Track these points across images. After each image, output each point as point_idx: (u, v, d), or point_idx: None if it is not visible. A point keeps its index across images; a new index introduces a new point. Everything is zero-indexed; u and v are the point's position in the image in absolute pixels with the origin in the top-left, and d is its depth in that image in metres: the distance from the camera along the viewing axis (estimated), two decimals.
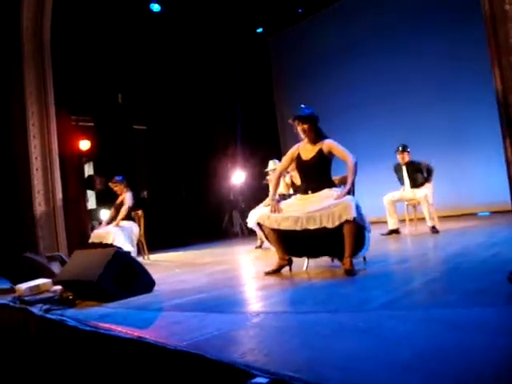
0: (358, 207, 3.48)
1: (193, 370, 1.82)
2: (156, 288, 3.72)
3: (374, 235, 6.55)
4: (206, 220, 11.29)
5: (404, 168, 6.72)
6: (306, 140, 3.98)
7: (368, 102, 9.55)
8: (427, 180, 6.61)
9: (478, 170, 8.55)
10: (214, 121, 11.14)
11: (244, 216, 11.23)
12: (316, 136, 3.93)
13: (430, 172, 6.66)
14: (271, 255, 5.62)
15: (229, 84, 10.93)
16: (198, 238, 10.62)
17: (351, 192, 3.71)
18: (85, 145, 9.44)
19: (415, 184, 6.61)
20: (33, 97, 7.86)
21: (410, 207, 6.81)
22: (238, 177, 11.07)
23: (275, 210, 3.77)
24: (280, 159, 6.15)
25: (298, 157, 3.99)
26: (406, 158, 6.71)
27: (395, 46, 9.42)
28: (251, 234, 10.39)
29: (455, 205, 8.85)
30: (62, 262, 4.40)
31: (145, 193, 10.71)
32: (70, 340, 2.82)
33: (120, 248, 4.02)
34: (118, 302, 3.27)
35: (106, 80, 9.71)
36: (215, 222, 11.59)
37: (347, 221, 3.37)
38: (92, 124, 9.90)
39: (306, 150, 3.97)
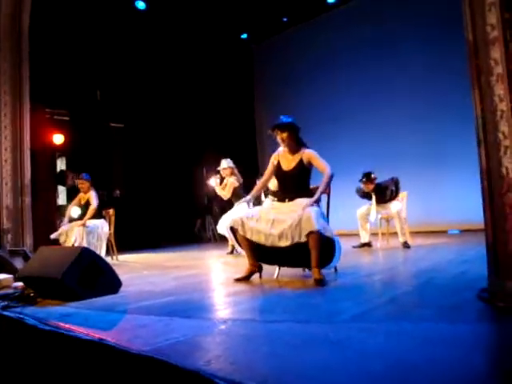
0: (321, 217, 3.51)
1: (155, 376, 1.75)
2: (122, 289, 3.60)
3: (346, 248, 6.61)
4: (178, 223, 11.15)
5: (373, 195, 6.65)
6: (285, 149, 3.95)
7: (347, 114, 9.66)
8: (396, 195, 6.61)
9: (450, 189, 8.71)
10: (192, 123, 11.04)
11: (217, 221, 11.17)
12: (296, 145, 3.92)
13: (397, 186, 6.66)
14: (242, 261, 5.56)
15: (209, 86, 10.88)
16: (170, 241, 10.47)
17: (318, 202, 3.71)
18: (59, 139, 9.22)
19: (384, 201, 6.63)
20: (6, 86, 7.63)
21: (383, 221, 6.85)
22: (213, 182, 10.97)
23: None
24: (257, 165, 6.21)
25: (278, 166, 3.98)
26: (371, 186, 6.66)
27: (379, 60, 9.56)
28: (223, 239, 10.29)
29: (426, 222, 8.99)
30: (26, 258, 4.24)
31: (118, 192, 10.51)
32: (28, 339, 2.69)
33: None
34: (81, 302, 3.15)
35: (86, 75, 9.53)
36: (188, 226, 11.47)
37: (311, 232, 3.36)
38: (68, 118, 9.69)
39: (286, 159, 3.95)
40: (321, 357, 1.62)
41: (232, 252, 6.79)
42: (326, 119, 9.87)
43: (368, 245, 6.55)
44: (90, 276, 3.40)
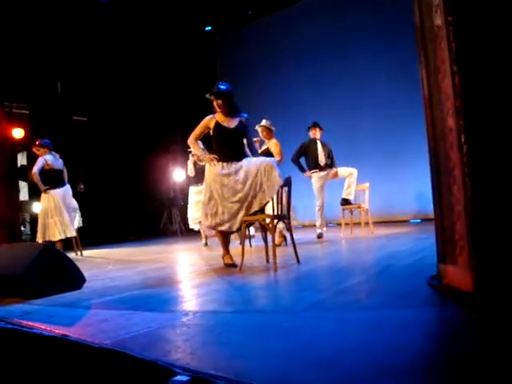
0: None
1: (116, 368, 1.79)
2: (86, 285, 3.60)
3: (309, 238, 6.76)
4: (144, 217, 11.09)
5: (319, 144, 6.92)
6: (221, 114, 4.15)
7: (310, 108, 9.76)
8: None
9: (412, 180, 8.98)
10: (156, 116, 10.96)
11: (183, 214, 11.15)
12: (232, 110, 4.16)
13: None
14: (213, 253, 5.64)
15: (172, 79, 10.80)
16: (136, 236, 10.42)
17: None
18: (18, 133, 8.99)
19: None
20: None
21: (346, 212, 7.02)
22: (178, 175, 10.96)
23: (212, 159, 4.02)
24: None
25: (219, 125, 4.12)
26: (318, 132, 6.97)
27: (342, 53, 9.72)
28: (190, 232, 10.32)
29: (389, 212, 9.27)
30: None
31: (81, 186, 10.35)
32: None
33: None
34: (44, 299, 3.14)
35: (46, 67, 9.30)
36: (154, 220, 11.41)
37: None
38: (27, 112, 9.45)
39: (225, 120, 4.14)
40: (274, 344, 1.70)
41: (206, 244, 6.90)
42: (288, 112, 9.97)
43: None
44: (52, 272, 3.39)
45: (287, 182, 4.04)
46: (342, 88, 9.73)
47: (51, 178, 6.58)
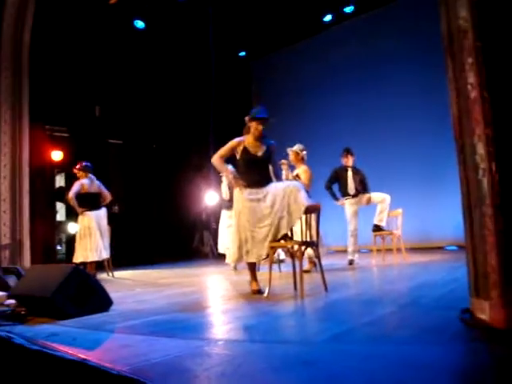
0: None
1: None
2: (113, 307, 3.63)
3: (340, 264, 6.64)
4: (176, 239, 11.18)
5: (349, 170, 6.84)
6: (251, 138, 4.17)
7: (344, 132, 9.72)
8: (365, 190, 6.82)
9: (448, 205, 8.71)
10: (190, 140, 11.14)
11: (215, 236, 11.18)
12: (263, 136, 4.20)
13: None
14: (241, 278, 5.61)
15: (206, 104, 10.99)
16: (167, 257, 10.50)
17: None
18: (58, 156, 9.31)
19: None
20: (6, 105, 7.75)
21: (378, 238, 6.88)
22: (210, 197, 11.04)
23: (236, 182, 4.07)
24: None
25: (246, 151, 4.14)
26: (350, 160, 6.88)
27: (376, 77, 9.67)
28: (222, 255, 10.32)
29: (423, 238, 9.01)
30: (18, 276, 4.28)
31: (116, 207, 10.56)
32: (15, 359, 2.72)
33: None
34: (71, 321, 3.18)
35: (85, 92, 9.66)
36: (186, 242, 11.49)
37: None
38: (67, 135, 9.79)
39: (254, 145, 4.16)
40: (292, 379, 1.65)
41: (235, 268, 6.86)
42: (322, 136, 9.95)
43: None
44: (80, 294, 3.43)
45: (315, 209, 3.99)
46: (374, 111, 9.64)
47: (86, 201, 6.75)
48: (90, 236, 6.58)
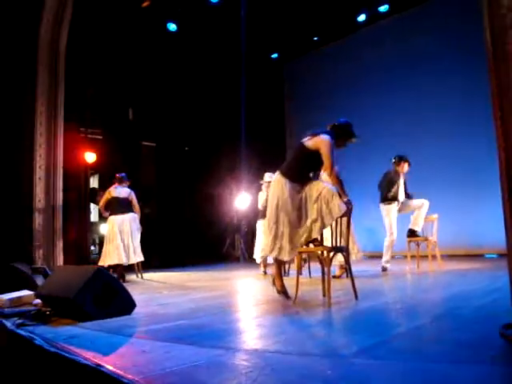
0: None
1: None
2: (136, 310, 3.57)
3: (374, 271, 6.42)
4: (208, 242, 11.16)
5: (401, 176, 6.62)
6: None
7: (377, 135, 9.45)
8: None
9: (488, 210, 8.34)
10: (222, 142, 11.11)
11: (246, 240, 11.09)
12: None
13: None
14: (269, 283, 5.48)
15: (237, 106, 10.93)
16: (199, 260, 10.49)
17: None
18: (91, 157, 9.44)
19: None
20: (43, 107, 7.88)
21: (413, 244, 6.61)
22: (242, 200, 10.96)
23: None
24: None
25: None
26: (405, 167, 6.67)
27: (410, 78, 9.38)
28: (252, 258, 10.23)
29: (462, 245, 8.64)
30: (45, 276, 4.29)
31: (148, 210, 10.63)
32: (34, 360, 2.69)
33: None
34: (92, 323, 3.13)
35: (118, 94, 9.78)
36: (217, 245, 11.46)
37: None
38: (101, 137, 9.93)
39: None
40: None
41: (265, 272, 6.81)
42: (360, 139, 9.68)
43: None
44: (103, 296, 3.39)
45: (347, 211, 3.80)
46: (409, 112, 9.33)
47: (111, 206, 6.87)
48: (112, 241, 6.61)
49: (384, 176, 6.66)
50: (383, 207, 6.49)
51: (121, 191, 6.88)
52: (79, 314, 3.28)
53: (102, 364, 2.07)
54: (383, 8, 9.44)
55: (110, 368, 2.02)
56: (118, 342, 2.58)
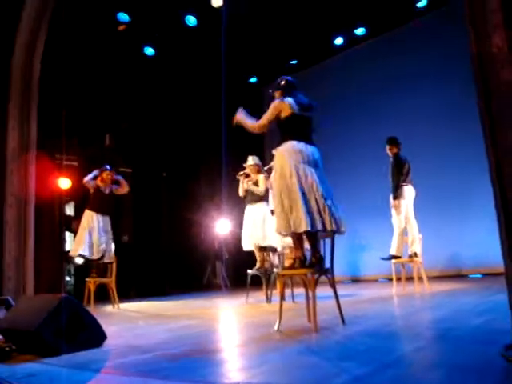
0: None
1: None
2: (107, 342, 3.29)
3: (368, 295, 6.21)
4: (187, 270, 10.83)
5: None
6: None
7: (360, 161, 9.38)
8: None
9: (470, 232, 8.26)
10: (200, 168, 10.93)
11: (228, 267, 10.81)
12: None
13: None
14: (252, 311, 5.23)
15: (217, 132, 10.79)
16: (179, 289, 10.13)
17: None
18: (66, 184, 9.14)
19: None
20: (14, 132, 7.61)
21: (398, 265, 6.45)
22: (222, 226, 10.71)
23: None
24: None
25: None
26: (395, 149, 6.55)
27: (392, 102, 9.37)
28: (235, 286, 9.92)
29: (445, 266, 8.52)
30: (8, 307, 3.96)
31: (125, 237, 10.31)
32: None
33: None
34: (56, 358, 2.84)
35: (95, 120, 9.56)
36: (197, 273, 11.12)
37: None
38: (76, 164, 9.65)
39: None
40: None
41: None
42: (339, 167, 9.54)
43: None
44: (69, 328, 3.10)
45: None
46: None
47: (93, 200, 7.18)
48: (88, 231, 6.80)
49: (401, 162, 6.47)
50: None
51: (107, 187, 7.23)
52: (42, 348, 2.99)
53: None
54: (360, 31, 9.51)
55: None
56: (81, 380, 2.31)
